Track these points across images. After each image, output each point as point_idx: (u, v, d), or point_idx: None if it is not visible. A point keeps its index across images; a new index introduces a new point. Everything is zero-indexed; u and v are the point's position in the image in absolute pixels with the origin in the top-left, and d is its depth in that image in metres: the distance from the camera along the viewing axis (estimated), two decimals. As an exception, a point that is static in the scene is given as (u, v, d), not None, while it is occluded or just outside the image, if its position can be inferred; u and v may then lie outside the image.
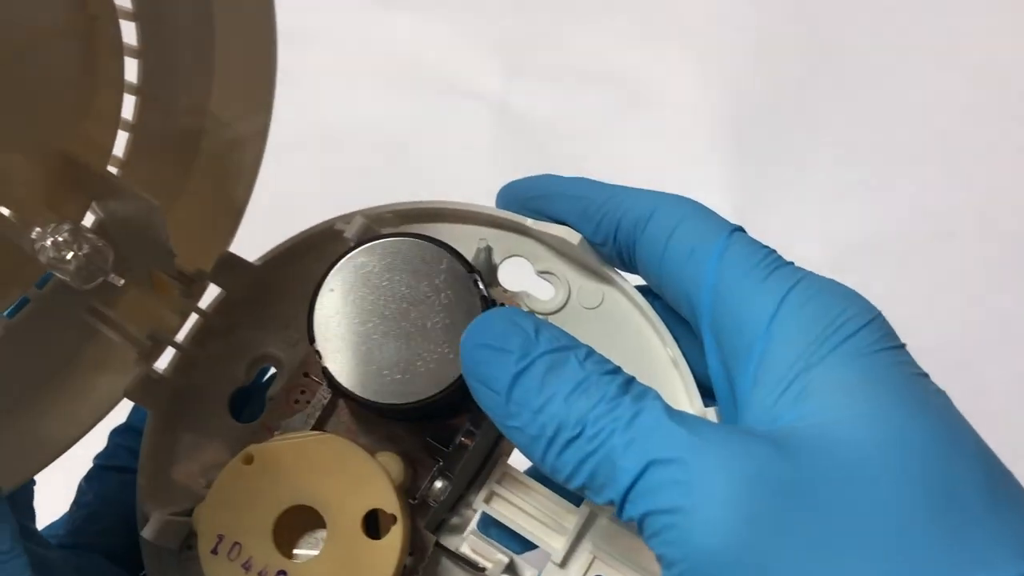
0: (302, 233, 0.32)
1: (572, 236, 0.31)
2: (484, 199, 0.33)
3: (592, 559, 0.30)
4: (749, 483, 0.22)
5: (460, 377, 0.27)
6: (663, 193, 0.30)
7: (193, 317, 0.32)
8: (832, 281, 0.27)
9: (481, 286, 0.28)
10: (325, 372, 0.27)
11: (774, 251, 0.28)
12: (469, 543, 0.29)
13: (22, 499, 0.31)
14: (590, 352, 0.25)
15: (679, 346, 0.31)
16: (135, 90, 0.29)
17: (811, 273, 0.27)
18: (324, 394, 0.30)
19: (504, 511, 0.30)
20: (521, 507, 0.30)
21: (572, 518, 0.30)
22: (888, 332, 0.25)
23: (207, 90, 0.29)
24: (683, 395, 0.31)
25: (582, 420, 0.24)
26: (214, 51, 0.29)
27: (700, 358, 0.31)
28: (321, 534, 0.28)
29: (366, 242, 0.28)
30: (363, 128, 0.70)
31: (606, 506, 0.29)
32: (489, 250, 0.31)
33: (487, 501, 0.30)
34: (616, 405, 0.24)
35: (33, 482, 0.31)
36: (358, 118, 0.70)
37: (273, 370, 0.33)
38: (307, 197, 0.33)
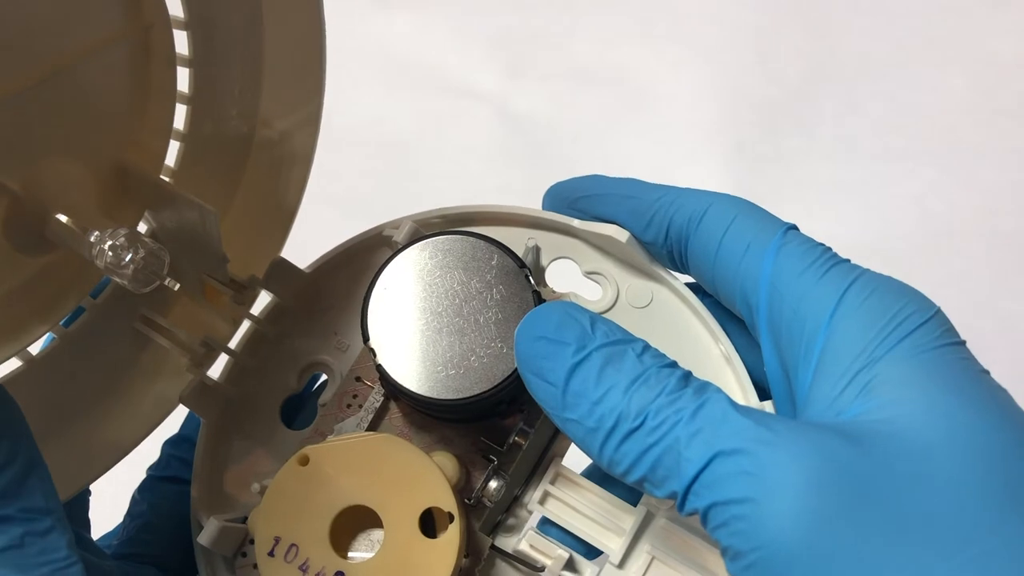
0: (350, 240, 0.33)
1: (620, 234, 0.31)
2: (484, 198, 0.33)
3: (651, 560, 0.29)
4: (821, 474, 0.22)
5: (515, 372, 0.27)
6: (715, 192, 0.30)
7: (244, 326, 0.32)
8: (890, 278, 0.27)
9: (532, 281, 0.28)
10: (380, 370, 0.27)
11: (829, 248, 0.28)
12: (528, 539, 0.29)
13: (78, 508, 0.31)
14: (647, 346, 0.25)
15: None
16: (187, 99, 0.29)
17: (868, 270, 0.27)
18: (376, 397, 0.30)
19: (559, 512, 0.30)
20: (576, 507, 0.30)
21: (629, 518, 0.30)
22: (949, 328, 0.25)
23: (257, 97, 0.30)
24: (737, 391, 0.30)
25: (643, 411, 0.23)
26: (263, 58, 0.29)
27: (752, 355, 0.31)
28: (376, 535, 0.28)
29: (417, 241, 0.28)
30: (363, 128, 0.70)
31: (665, 500, 0.29)
32: (537, 250, 0.31)
33: (541, 502, 0.30)
34: (678, 397, 0.23)
35: (88, 492, 0.31)
36: (358, 118, 0.70)
37: (324, 377, 0.33)
38: (307, 197, 0.33)
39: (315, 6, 0.29)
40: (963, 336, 0.37)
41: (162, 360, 0.31)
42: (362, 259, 0.33)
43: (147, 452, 0.33)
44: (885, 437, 0.23)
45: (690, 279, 0.32)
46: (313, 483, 0.28)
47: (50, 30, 0.24)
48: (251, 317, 0.31)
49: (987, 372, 0.25)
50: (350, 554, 0.28)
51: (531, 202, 0.42)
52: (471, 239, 0.28)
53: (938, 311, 0.26)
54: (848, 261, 0.27)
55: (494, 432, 0.30)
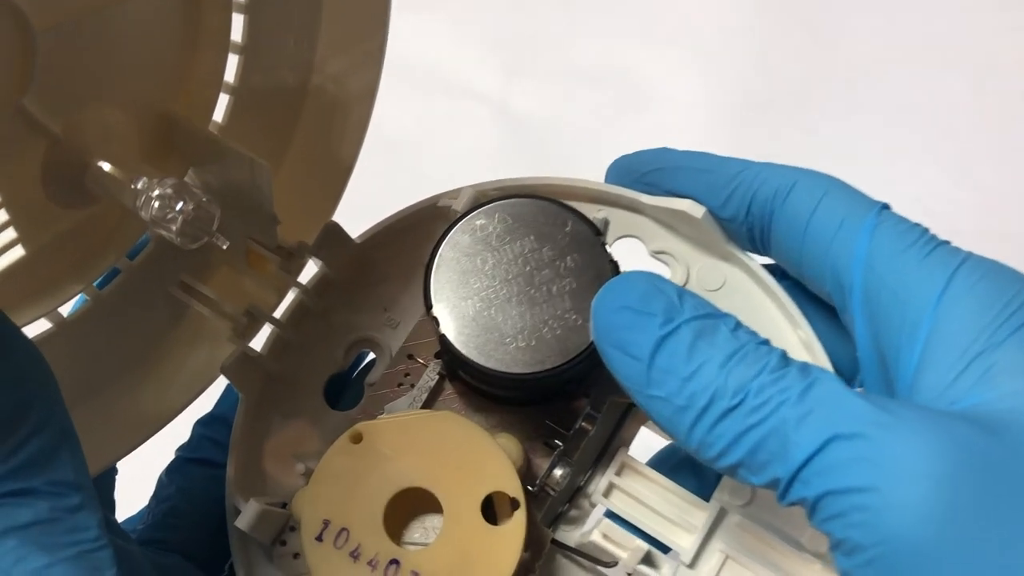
0: (403, 211, 0.31)
1: (695, 209, 0.29)
2: None
3: (724, 559, 0.27)
4: (954, 463, 0.20)
5: (590, 345, 0.25)
6: (800, 167, 0.28)
7: (289, 297, 0.30)
8: (997, 262, 0.25)
9: (609, 249, 0.26)
10: (443, 341, 0.25)
11: (927, 228, 0.26)
12: (602, 528, 0.27)
13: (103, 487, 0.29)
14: (739, 323, 0.23)
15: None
16: (239, 49, 0.27)
17: (973, 253, 0.25)
18: (431, 375, 0.28)
19: (624, 505, 0.28)
20: (643, 501, 0.28)
21: (701, 515, 0.27)
22: None
23: (313, 45, 0.28)
24: (818, 379, 0.28)
25: (743, 389, 0.21)
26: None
27: (831, 341, 0.29)
28: (433, 521, 0.26)
29: (485, 205, 0.26)
30: None
31: (743, 493, 0.27)
32: (606, 224, 0.29)
33: (606, 494, 0.28)
34: (783, 375, 0.21)
35: (115, 470, 0.29)
36: None
37: (371, 355, 0.30)
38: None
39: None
40: None
41: (200, 329, 0.29)
42: (416, 232, 0.31)
43: (177, 432, 0.30)
44: (1019, 428, 0.21)
45: (766, 260, 0.30)
46: (366, 462, 0.25)
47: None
48: (299, 286, 0.29)
49: None
50: (405, 541, 0.26)
51: None
52: (544, 203, 0.26)
53: None
54: (949, 243, 0.26)
55: (558, 416, 0.28)
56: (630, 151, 0.64)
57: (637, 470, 0.28)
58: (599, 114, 0.71)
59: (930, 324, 0.24)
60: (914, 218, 0.61)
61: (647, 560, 0.26)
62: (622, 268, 0.30)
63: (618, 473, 0.28)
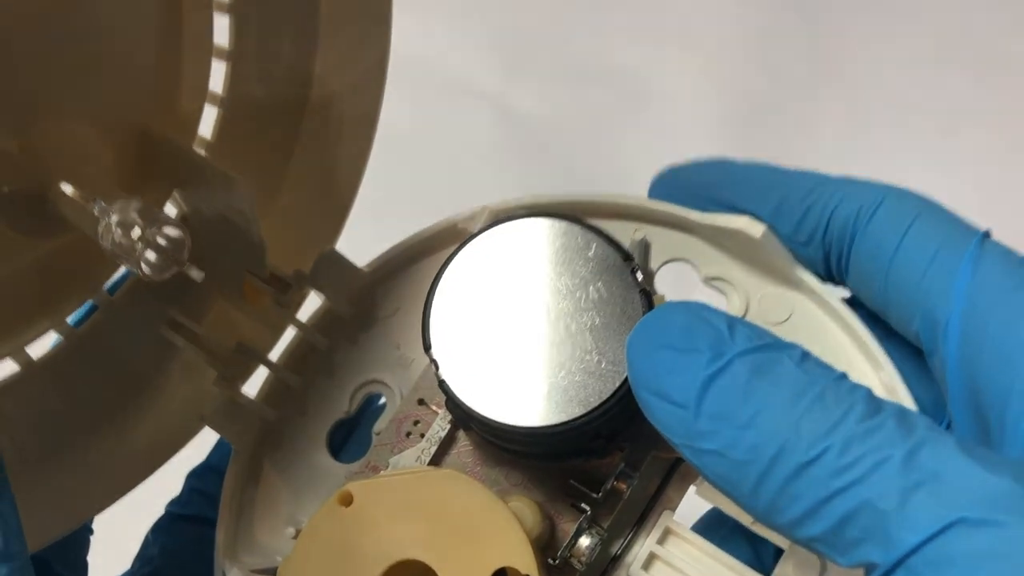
0: (417, 235, 0.27)
1: (754, 228, 0.24)
2: (484, 198, 0.27)
3: (790, 650, 0.22)
4: None
5: (616, 393, 0.21)
6: (885, 184, 0.24)
7: (288, 334, 0.26)
8: None
9: (640, 277, 0.22)
10: (443, 387, 0.22)
11: None
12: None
13: (73, 550, 0.26)
14: (806, 353, 0.19)
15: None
16: (225, 54, 0.24)
17: None
18: (442, 424, 0.24)
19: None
20: (691, 575, 0.23)
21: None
22: None
23: (311, 52, 0.25)
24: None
25: (821, 440, 0.17)
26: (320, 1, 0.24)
27: (917, 388, 0.24)
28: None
29: (493, 226, 0.23)
30: None
31: (852, 568, 0.22)
32: (646, 247, 0.25)
33: (646, 567, 0.23)
34: (877, 427, 0.17)
35: (89, 530, 0.26)
36: None
37: (383, 399, 0.27)
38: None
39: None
40: None
41: (192, 371, 0.26)
42: (431, 258, 0.27)
43: (170, 486, 0.27)
44: None
45: (842, 292, 0.25)
46: (357, 529, 0.22)
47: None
48: (296, 323, 0.26)
49: None
50: (399, 623, 0.22)
51: None
52: (562, 223, 0.22)
53: None
54: None
55: (587, 475, 0.23)
56: (629, 151, 0.66)
57: (684, 538, 0.24)
58: (599, 114, 0.71)
59: None
60: None
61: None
62: (668, 298, 0.26)
63: (660, 542, 0.24)
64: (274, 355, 0.26)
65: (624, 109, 0.71)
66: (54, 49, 0.21)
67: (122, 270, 0.25)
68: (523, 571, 0.21)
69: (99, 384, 0.25)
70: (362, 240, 0.39)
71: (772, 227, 0.25)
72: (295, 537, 0.24)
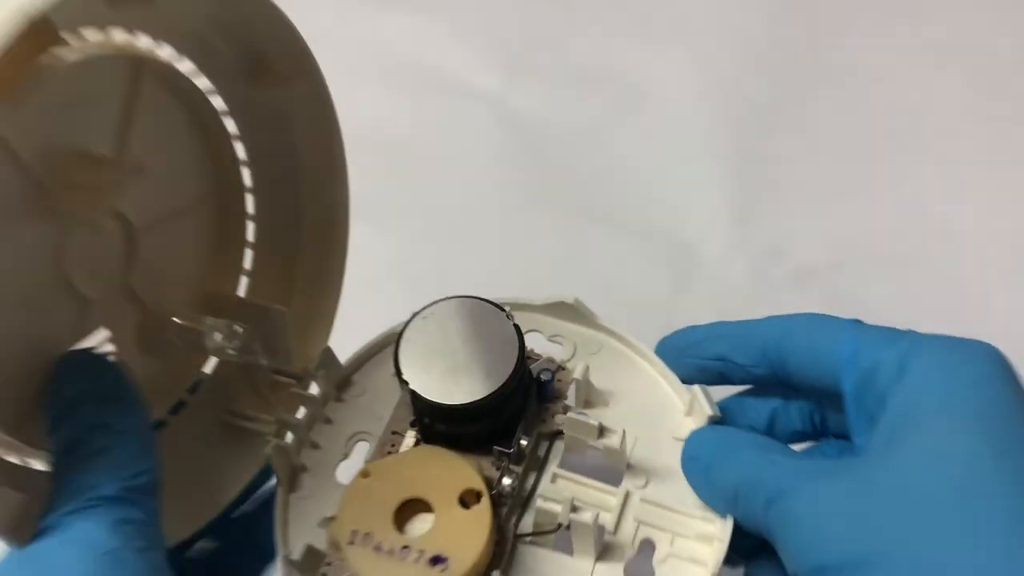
0: (382, 335, 0.44)
1: (568, 298, 0.43)
2: (484, 197, 0.41)
3: (638, 525, 0.38)
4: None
5: (507, 383, 0.37)
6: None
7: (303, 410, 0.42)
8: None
9: (514, 323, 0.39)
10: (413, 393, 0.38)
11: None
12: (539, 503, 0.38)
13: None
14: None
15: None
16: (252, 245, 0.42)
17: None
18: (409, 440, 0.40)
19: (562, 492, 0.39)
20: (574, 492, 0.39)
21: (614, 499, 0.39)
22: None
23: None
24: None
25: None
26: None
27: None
28: (428, 517, 0.37)
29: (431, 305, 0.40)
30: (363, 128, 0.64)
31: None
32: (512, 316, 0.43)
33: (545, 495, 0.39)
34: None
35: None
36: (358, 118, 0.63)
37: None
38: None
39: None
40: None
41: (245, 439, 0.41)
42: (381, 355, 0.44)
43: None
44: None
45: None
46: (375, 487, 0.37)
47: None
48: (311, 401, 0.41)
49: None
50: (410, 533, 0.37)
51: (530, 200, 0.60)
52: (468, 299, 0.40)
53: None
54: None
55: (504, 443, 0.39)
56: (629, 151, 0.69)
57: (567, 477, 0.40)
58: (598, 114, 0.71)
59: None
60: (912, 218, 0.63)
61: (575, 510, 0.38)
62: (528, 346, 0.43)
63: (552, 481, 0.40)
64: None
65: (624, 109, 0.71)
66: (164, 244, 0.38)
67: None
68: (476, 488, 0.37)
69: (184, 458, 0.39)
70: (363, 240, 0.48)
71: (579, 300, 0.43)
72: (322, 523, 0.38)
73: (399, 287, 0.58)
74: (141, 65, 0.34)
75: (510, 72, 0.73)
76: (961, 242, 0.61)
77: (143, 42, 0.34)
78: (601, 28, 0.76)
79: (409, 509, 0.37)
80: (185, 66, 0.36)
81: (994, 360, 0.32)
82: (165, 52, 0.35)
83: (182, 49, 0.35)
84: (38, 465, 0.33)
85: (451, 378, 0.38)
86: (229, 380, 0.41)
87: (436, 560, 0.35)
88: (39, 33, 0.26)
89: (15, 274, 0.31)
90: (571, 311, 0.43)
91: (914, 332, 0.35)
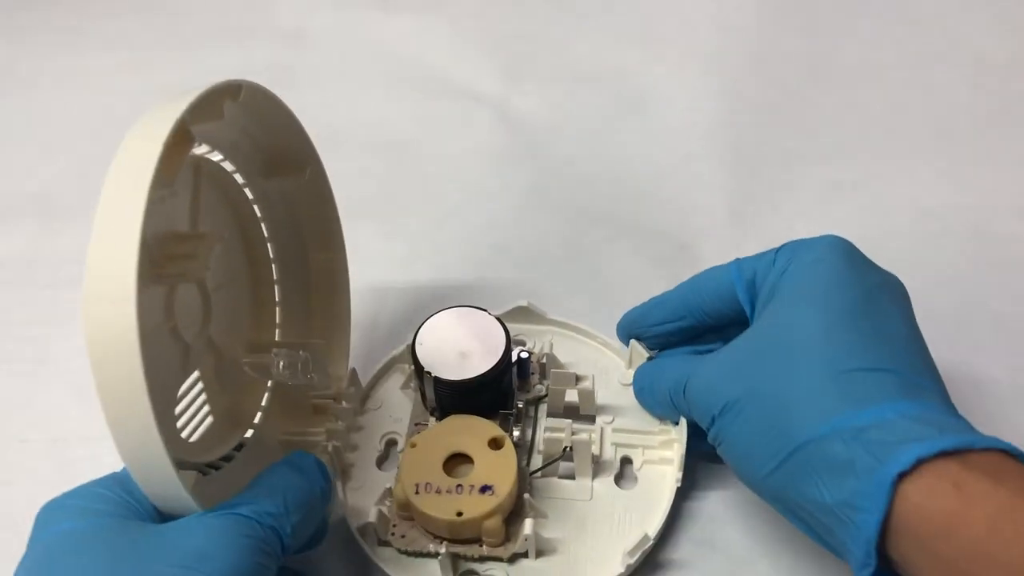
0: (387, 360, 0.55)
1: (523, 302, 0.56)
2: (484, 198, 0.48)
3: (615, 448, 0.52)
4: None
5: (497, 364, 0.50)
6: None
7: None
8: None
9: (503, 326, 0.52)
10: (436, 380, 0.50)
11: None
12: (543, 436, 0.50)
13: None
14: None
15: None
16: (279, 303, 0.53)
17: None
18: (432, 424, 0.52)
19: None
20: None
21: (595, 433, 0.52)
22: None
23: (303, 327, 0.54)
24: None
25: None
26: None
27: None
28: (468, 465, 0.48)
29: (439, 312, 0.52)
30: (364, 129, 0.69)
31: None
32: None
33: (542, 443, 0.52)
34: None
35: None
36: (359, 119, 0.69)
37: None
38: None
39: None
40: (958, 335, 0.51)
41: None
42: (389, 375, 0.56)
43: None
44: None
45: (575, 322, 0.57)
46: (424, 451, 0.49)
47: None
48: (344, 414, 0.52)
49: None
50: (459, 477, 0.48)
51: (530, 200, 0.63)
52: (467, 308, 0.52)
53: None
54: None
55: (506, 407, 0.52)
56: (629, 152, 0.70)
57: (552, 427, 0.53)
58: (599, 114, 0.71)
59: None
60: (911, 217, 0.64)
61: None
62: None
63: (545, 432, 0.52)
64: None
65: (624, 110, 0.71)
66: (227, 303, 0.49)
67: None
68: (499, 436, 0.49)
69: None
70: (365, 239, 0.54)
71: (532, 303, 0.57)
72: (376, 503, 0.49)
73: (401, 284, 0.61)
74: (200, 165, 0.46)
75: (511, 73, 0.74)
76: (957, 242, 0.62)
77: (201, 148, 0.46)
78: (601, 29, 0.76)
79: (453, 462, 0.49)
80: (226, 166, 0.48)
81: (831, 246, 0.42)
82: (214, 156, 0.47)
83: (223, 152, 0.47)
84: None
85: (459, 362, 0.50)
86: (282, 407, 0.52)
87: (484, 488, 0.47)
88: (185, 134, 0.38)
89: (144, 322, 0.42)
90: (527, 312, 0.57)
91: (784, 243, 0.43)
